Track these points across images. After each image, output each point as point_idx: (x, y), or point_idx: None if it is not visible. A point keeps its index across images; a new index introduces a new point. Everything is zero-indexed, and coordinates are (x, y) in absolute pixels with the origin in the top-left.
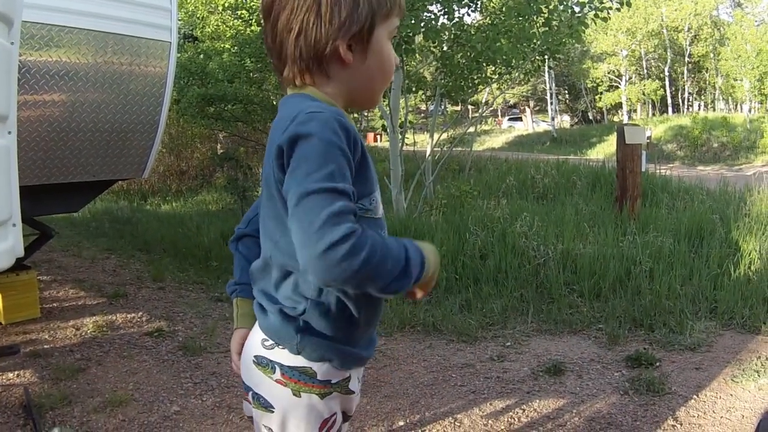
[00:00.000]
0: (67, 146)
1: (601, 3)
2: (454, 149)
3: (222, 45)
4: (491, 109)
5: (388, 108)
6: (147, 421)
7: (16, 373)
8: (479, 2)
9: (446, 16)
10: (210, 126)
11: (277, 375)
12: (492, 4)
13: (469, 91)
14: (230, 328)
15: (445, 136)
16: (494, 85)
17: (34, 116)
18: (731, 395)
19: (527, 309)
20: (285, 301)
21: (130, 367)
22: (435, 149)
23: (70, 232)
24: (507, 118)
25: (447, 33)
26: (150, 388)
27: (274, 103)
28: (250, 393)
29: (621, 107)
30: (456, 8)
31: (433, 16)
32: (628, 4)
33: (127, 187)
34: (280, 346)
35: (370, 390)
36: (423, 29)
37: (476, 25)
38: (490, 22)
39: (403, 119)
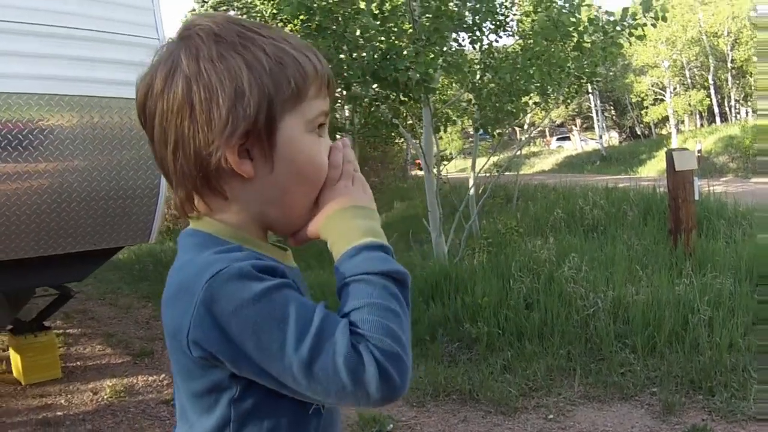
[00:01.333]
0: (62, 216)
1: (635, 20)
2: (501, 176)
3: None
4: (539, 129)
5: (420, 147)
6: None
7: None
8: (509, 27)
9: (473, 45)
10: None
11: None
12: (523, 26)
13: (505, 122)
14: None
15: (491, 162)
16: (536, 109)
17: (23, 188)
18: None
19: (574, 370)
20: None
21: None
22: (481, 175)
23: (113, 276)
24: (555, 137)
25: (473, 64)
26: None
27: None
28: None
29: (668, 120)
30: (484, 35)
31: (455, 47)
32: (664, 18)
33: (173, 227)
34: None
35: None
36: (443, 64)
37: (505, 51)
38: (519, 48)
39: (438, 156)
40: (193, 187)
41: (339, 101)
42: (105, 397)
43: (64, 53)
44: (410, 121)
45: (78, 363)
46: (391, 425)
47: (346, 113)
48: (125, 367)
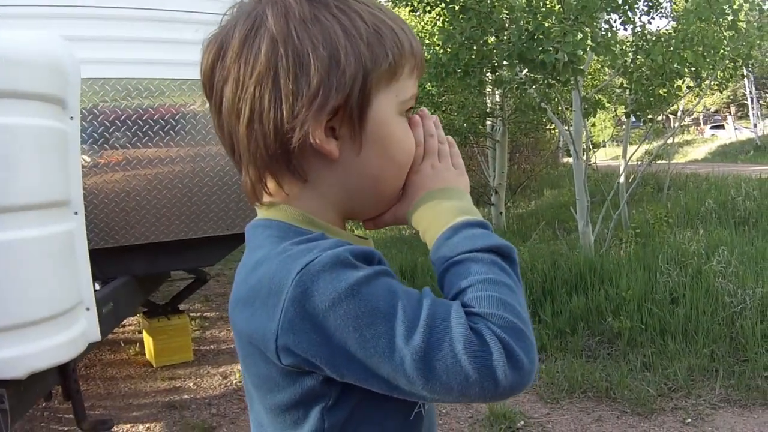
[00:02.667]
0: (194, 201)
1: None
2: (653, 164)
3: None
4: (692, 116)
5: (569, 132)
6: None
7: (146, 425)
8: (662, 7)
9: (625, 26)
10: None
11: None
12: (676, 8)
13: (658, 108)
14: None
15: (642, 150)
16: (689, 95)
17: (163, 172)
18: None
19: (716, 370)
20: None
21: None
22: (632, 163)
23: None
24: (709, 126)
25: (625, 45)
26: None
27: (463, 124)
28: None
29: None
30: (636, 16)
31: (606, 28)
32: None
33: None
34: None
35: None
36: (592, 45)
37: (657, 34)
38: (672, 30)
39: (586, 141)
40: (268, 168)
41: (489, 85)
42: (234, 381)
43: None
44: (559, 107)
45: (212, 347)
46: (522, 422)
47: (497, 98)
48: None
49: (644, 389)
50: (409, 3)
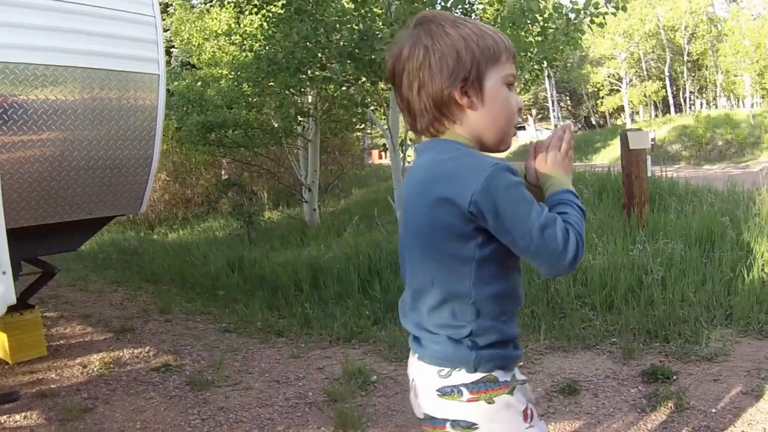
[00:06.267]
0: (61, 185)
1: (597, 9)
2: None
3: (219, 71)
4: None
5: (387, 127)
6: None
7: (23, 414)
8: (473, 14)
9: None
10: (212, 153)
11: (466, 395)
12: (487, 15)
13: None
14: (237, 359)
15: None
16: None
17: (26, 156)
18: (752, 407)
19: (539, 326)
20: (446, 330)
21: (137, 405)
22: None
23: (77, 265)
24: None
25: None
26: (157, 426)
27: (275, 125)
28: (448, 423)
29: (623, 110)
30: None
31: None
32: (624, 8)
33: (133, 218)
34: (457, 369)
35: (381, 419)
36: None
37: None
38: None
39: (402, 137)
40: (433, 115)
41: (306, 85)
42: (95, 369)
43: (67, 26)
44: (372, 107)
45: (61, 342)
46: (375, 377)
47: (309, 98)
48: (109, 342)
49: None
50: (237, 4)
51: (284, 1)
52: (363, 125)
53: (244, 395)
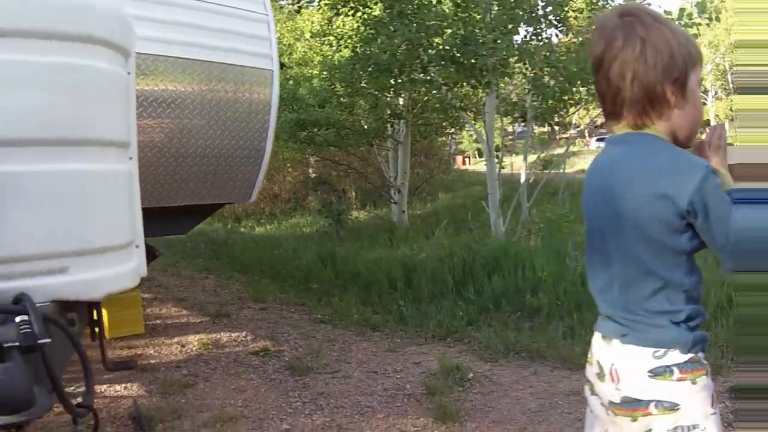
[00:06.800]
0: (177, 171)
1: (690, 19)
2: (542, 172)
3: (310, 71)
4: (578, 129)
5: (483, 131)
6: None
7: (123, 385)
8: (564, 23)
9: (536, 38)
10: (302, 150)
11: (676, 374)
12: (577, 24)
13: (562, 112)
14: (335, 349)
15: (533, 158)
16: (581, 106)
17: (145, 142)
18: None
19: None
20: (666, 315)
21: (237, 385)
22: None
23: (167, 252)
24: (595, 138)
25: (538, 55)
26: (259, 406)
27: (365, 127)
28: (652, 404)
29: (709, 124)
30: (543, 29)
31: (526, 38)
32: (717, 19)
33: (221, 210)
34: (672, 350)
35: (478, 415)
36: (517, 51)
37: (566, 45)
38: (578, 41)
39: (498, 142)
40: (642, 107)
41: (407, 87)
42: (193, 349)
43: (191, 21)
44: (473, 109)
45: (157, 321)
46: (471, 374)
47: (400, 101)
48: (205, 325)
49: (571, 349)
50: (334, 6)
51: (384, 4)
52: (453, 129)
53: (343, 383)
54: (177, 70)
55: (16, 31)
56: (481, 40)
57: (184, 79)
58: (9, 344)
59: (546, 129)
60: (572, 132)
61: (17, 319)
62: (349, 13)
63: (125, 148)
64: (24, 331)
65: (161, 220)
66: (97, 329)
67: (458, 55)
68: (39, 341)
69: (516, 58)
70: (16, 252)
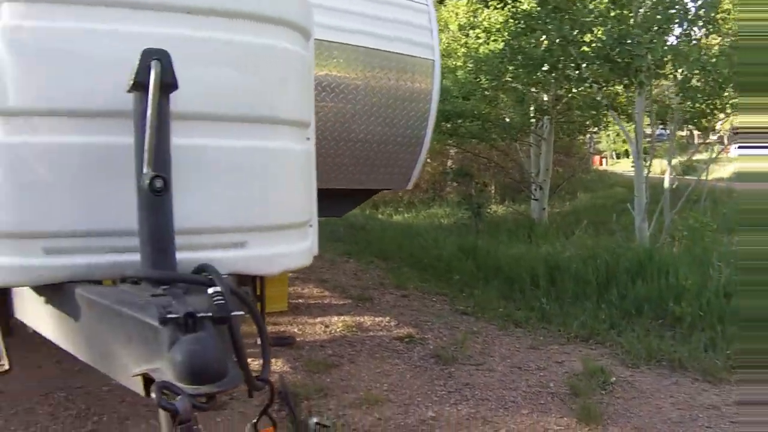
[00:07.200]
0: (338, 153)
1: None
2: (683, 177)
3: (454, 63)
4: (719, 135)
5: (633, 133)
6: (404, 422)
7: None
8: (715, 24)
9: (687, 38)
10: (443, 141)
11: None
12: (727, 26)
13: (710, 117)
14: (478, 342)
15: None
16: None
17: (324, 126)
18: None
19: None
20: None
21: (382, 369)
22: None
23: None
24: (735, 145)
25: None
26: (404, 391)
27: (507, 120)
28: None
29: None
30: (697, 30)
31: (680, 39)
32: None
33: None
34: None
35: (621, 420)
36: (671, 54)
37: (718, 47)
38: (727, 44)
39: (647, 145)
40: None
41: (561, 83)
42: (337, 330)
43: (360, 10)
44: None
45: (300, 301)
46: (614, 378)
47: (545, 98)
48: (348, 308)
49: (712, 362)
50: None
51: None
52: (597, 128)
53: (487, 376)
54: (342, 56)
55: (215, 10)
56: (637, 40)
57: (349, 65)
58: (202, 314)
59: (685, 133)
60: (713, 138)
61: (210, 290)
62: (498, 6)
63: (305, 128)
64: (217, 302)
65: (320, 201)
66: (259, 304)
67: (613, 53)
68: (232, 313)
69: (670, 58)
70: (200, 224)
